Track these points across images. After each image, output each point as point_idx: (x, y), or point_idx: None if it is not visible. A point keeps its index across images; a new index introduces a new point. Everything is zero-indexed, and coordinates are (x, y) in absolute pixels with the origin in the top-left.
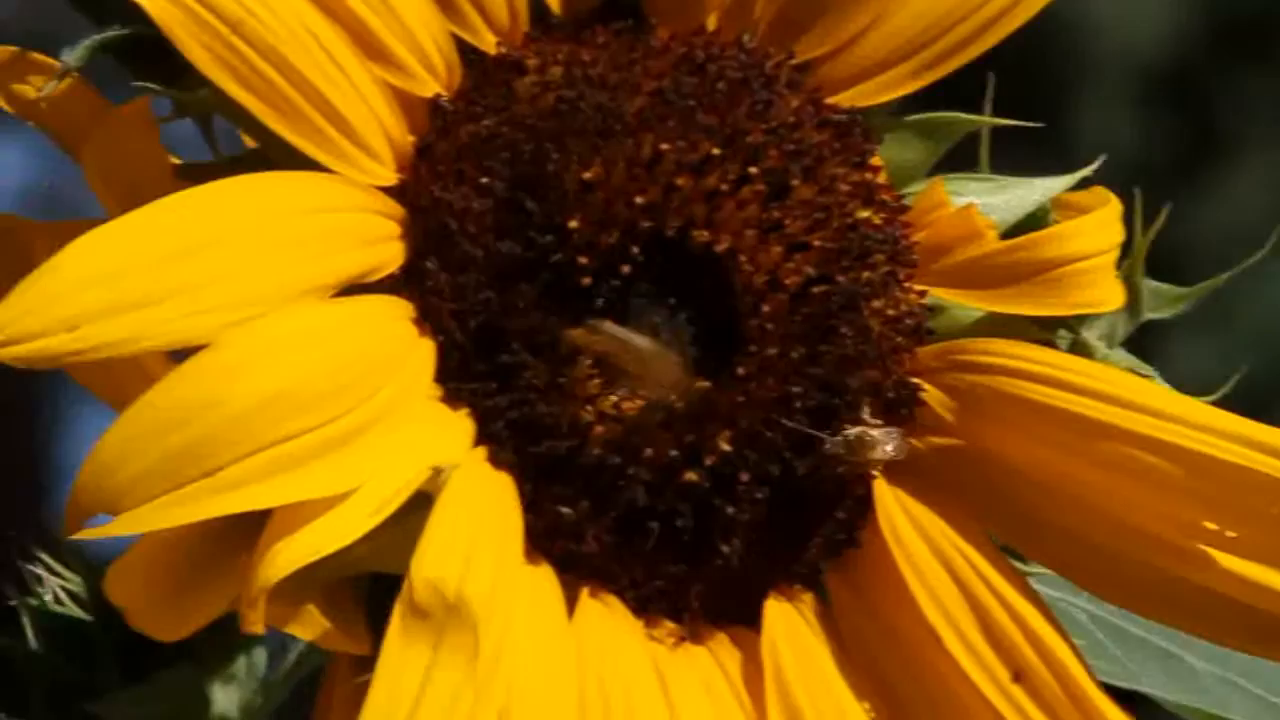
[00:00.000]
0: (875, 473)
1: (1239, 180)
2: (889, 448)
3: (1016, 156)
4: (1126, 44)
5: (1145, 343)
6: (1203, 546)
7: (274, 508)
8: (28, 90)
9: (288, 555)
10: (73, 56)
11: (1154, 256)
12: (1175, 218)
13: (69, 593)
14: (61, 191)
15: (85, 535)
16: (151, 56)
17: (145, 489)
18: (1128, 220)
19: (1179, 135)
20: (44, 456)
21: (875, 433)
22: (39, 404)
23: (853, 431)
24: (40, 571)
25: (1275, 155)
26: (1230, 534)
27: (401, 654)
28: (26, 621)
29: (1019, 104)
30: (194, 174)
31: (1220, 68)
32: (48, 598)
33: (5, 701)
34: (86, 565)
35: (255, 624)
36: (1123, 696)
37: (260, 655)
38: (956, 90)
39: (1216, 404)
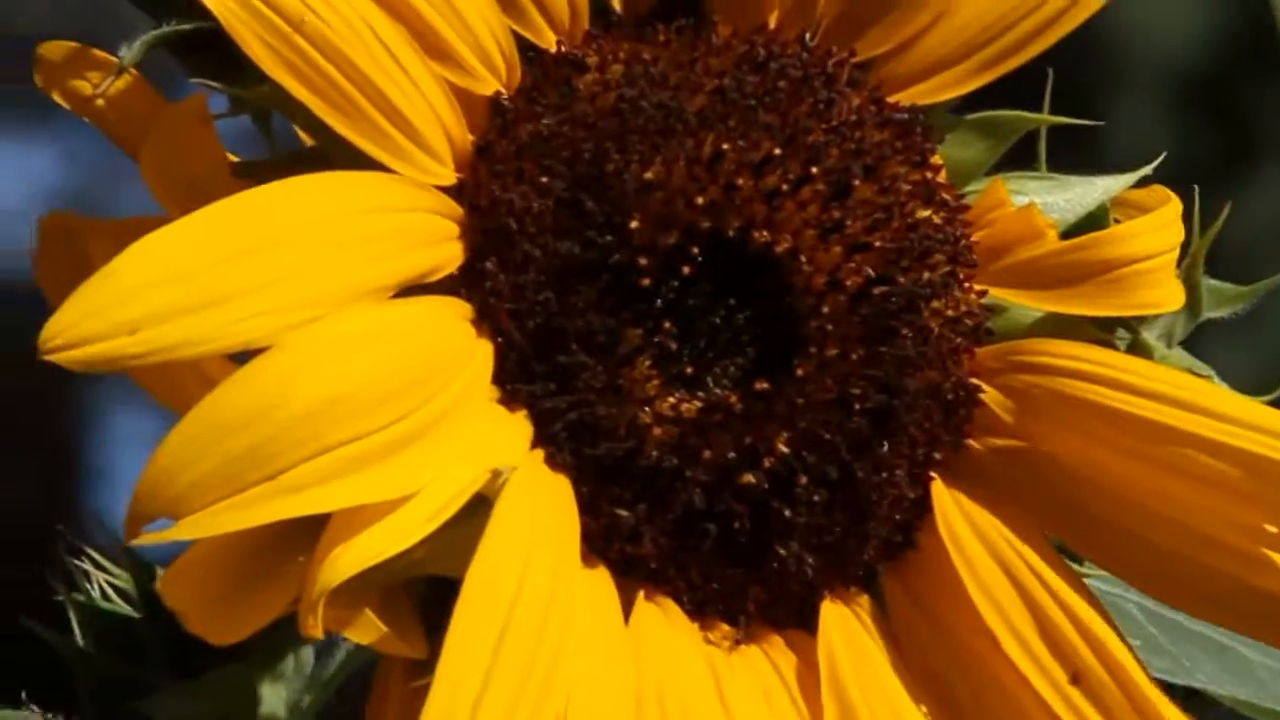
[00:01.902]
0: (933, 475)
1: (1275, 183)
2: None
3: (1054, 159)
4: (1163, 48)
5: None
6: (1263, 550)
7: (333, 511)
8: (84, 87)
9: (348, 559)
10: (130, 52)
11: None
12: (1211, 219)
13: (116, 589)
14: (91, 193)
15: (146, 540)
16: (209, 52)
17: (206, 493)
18: (1185, 219)
19: (1215, 139)
20: (81, 452)
21: None
22: (76, 399)
23: None
24: (87, 567)
25: None
26: None
27: (461, 658)
28: (74, 618)
29: (1055, 107)
30: (251, 172)
31: (1257, 71)
32: (95, 594)
33: (53, 698)
34: (134, 562)
35: (314, 628)
36: (1178, 693)
37: (307, 654)
38: (1001, 90)
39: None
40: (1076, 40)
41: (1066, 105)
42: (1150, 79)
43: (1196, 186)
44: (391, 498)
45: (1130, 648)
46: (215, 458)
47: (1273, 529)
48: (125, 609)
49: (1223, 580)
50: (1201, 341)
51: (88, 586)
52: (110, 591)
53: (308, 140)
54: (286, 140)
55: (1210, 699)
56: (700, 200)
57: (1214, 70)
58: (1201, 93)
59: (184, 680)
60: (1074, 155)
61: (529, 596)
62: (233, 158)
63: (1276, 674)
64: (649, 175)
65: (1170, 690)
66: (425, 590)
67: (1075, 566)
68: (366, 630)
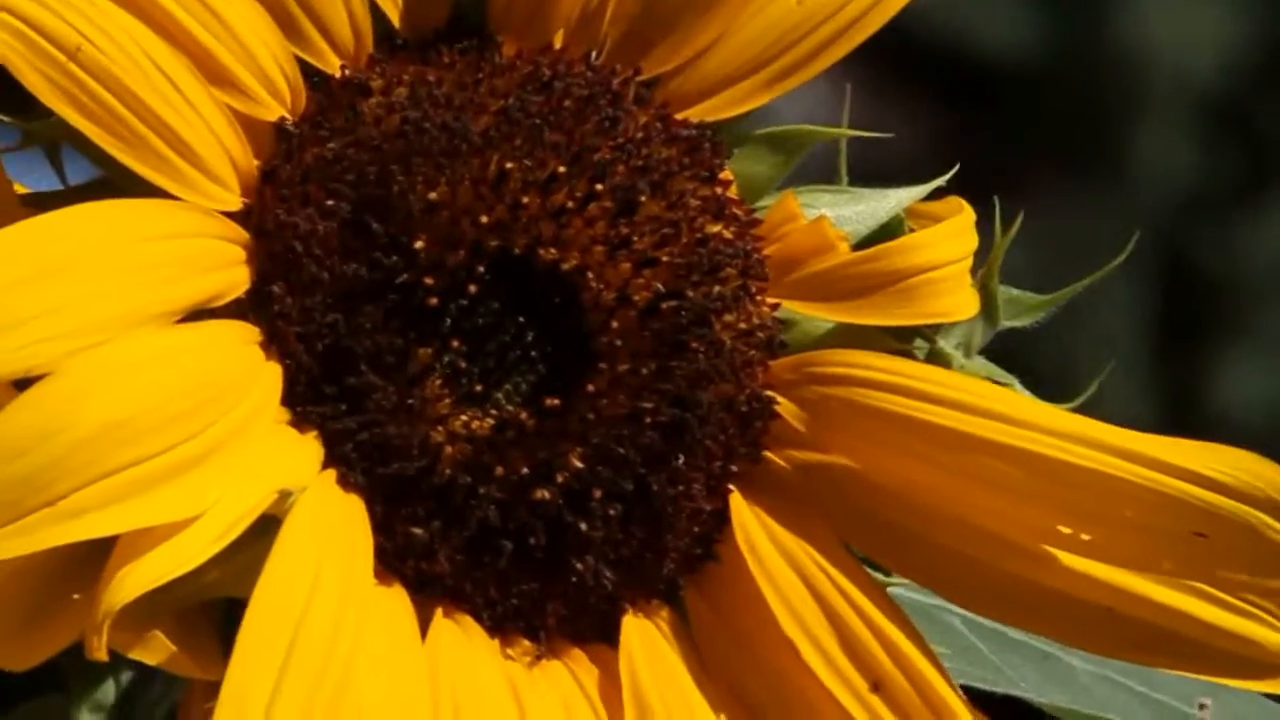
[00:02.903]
0: (731, 487)
1: None
2: None
3: (1071, 181)
4: (1183, 69)
5: (1197, 364)
6: (1060, 551)
7: (120, 534)
8: None
9: (133, 581)
10: None
11: (1205, 279)
12: (1229, 241)
13: None
14: None
15: None
16: None
17: None
18: (987, 227)
19: (1234, 159)
20: None
21: None
22: None
23: None
24: None
25: None
26: (1085, 537)
27: (246, 675)
28: None
29: (1075, 128)
30: (41, 203)
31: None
32: None
33: None
34: None
35: (99, 650)
36: (999, 702)
37: (128, 680)
38: (989, 112)
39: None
40: (1099, 63)
41: (1088, 123)
42: (1172, 97)
43: (996, 198)
44: (175, 520)
45: (932, 655)
46: None
47: (1068, 530)
48: None
49: (1026, 584)
50: (1220, 364)
51: None
52: None
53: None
54: (86, 172)
55: (1036, 711)
56: (486, 219)
57: (1235, 88)
58: (1223, 110)
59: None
60: (1096, 174)
61: (317, 613)
62: (22, 189)
63: (1100, 679)
64: (434, 195)
65: (992, 701)
66: (229, 614)
67: (884, 576)
68: (156, 652)
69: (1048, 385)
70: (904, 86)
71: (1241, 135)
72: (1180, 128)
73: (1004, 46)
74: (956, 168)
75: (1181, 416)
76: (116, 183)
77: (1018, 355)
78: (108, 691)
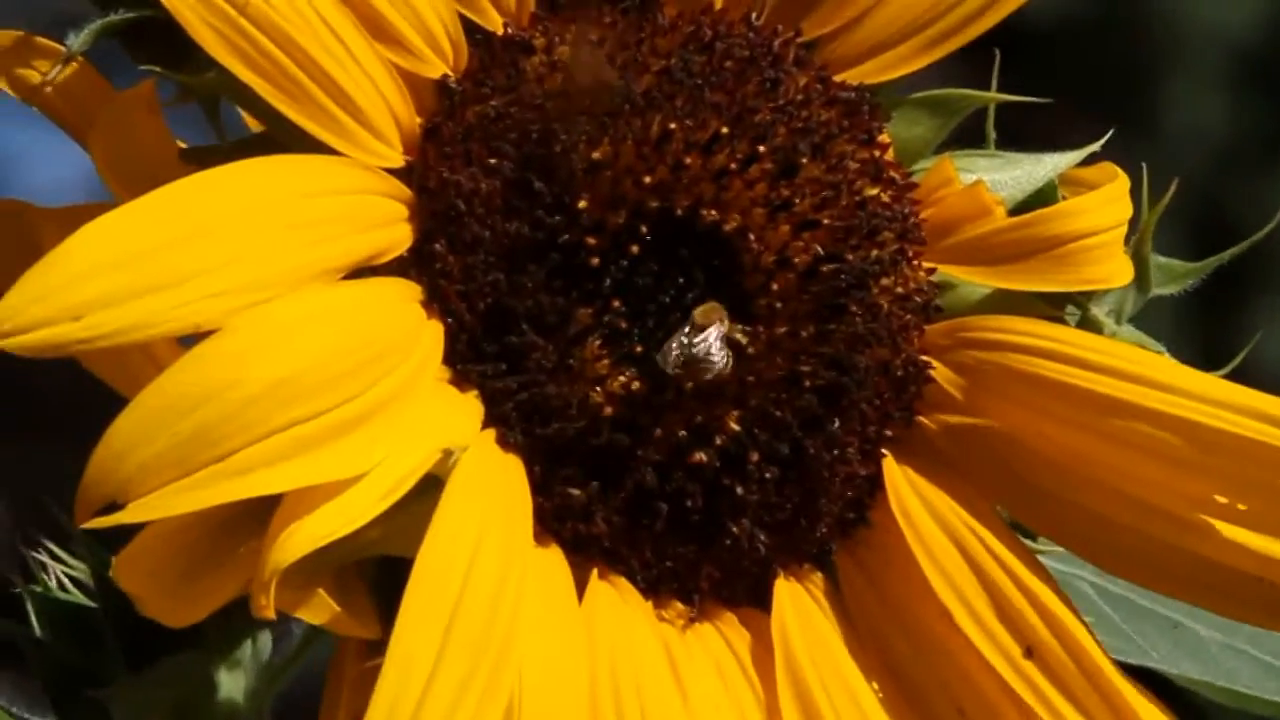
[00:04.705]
0: (885, 451)
1: None
2: (715, 358)
3: (1105, 135)
4: (1217, 25)
5: (1231, 318)
6: (1212, 520)
7: (285, 492)
8: (32, 75)
9: (299, 539)
10: (77, 41)
11: (1242, 238)
12: (1263, 195)
13: (73, 579)
14: None
15: (97, 523)
16: (156, 40)
17: (155, 476)
18: (1137, 195)
19: (1269, 116)
20: None
21: (697, 349)
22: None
23: (674, 352)
24: (44, 558)
25: None
26: (1240, 507)
27: (413, 637)
28: (31, 608)
29: (1110, 83)
30: (200, 158)
31: None
32: (52, 584)
33: (12, 688)
34: (91, 551)
35: (266, 609)
36: (1131, 672)
37: (265, 640)
38: (1020, 66)
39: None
40: (1133, 20)
41: (1123, 82)
42: (1207, 56)
43: (1144, 165)
44: (341, 478)
45: (1084, 621)
46: (163, 440)
47: (1222, 499)
48: (82, 599)
49: (1174, 551)
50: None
51: (44, 577)
52: (67, 582)
53: (256, 127)
54: (236, 130)
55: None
56: (648, 180)
57: (1270, 43)
58: (1258, 69)
59: (140, 669)
60: (1130, 135)
61: (480, 576)
62: (182, 144)
63: (1228, 648)
64: (597, 155)
65: (1124, 671)
66: (380, 572)
67: (1028, 543)
68: (319, 611)
69: None
70: None
71: (1276, 91)
72: (1215, 83)
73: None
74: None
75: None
76: (276, 138)
77: None
78: (245, 650)
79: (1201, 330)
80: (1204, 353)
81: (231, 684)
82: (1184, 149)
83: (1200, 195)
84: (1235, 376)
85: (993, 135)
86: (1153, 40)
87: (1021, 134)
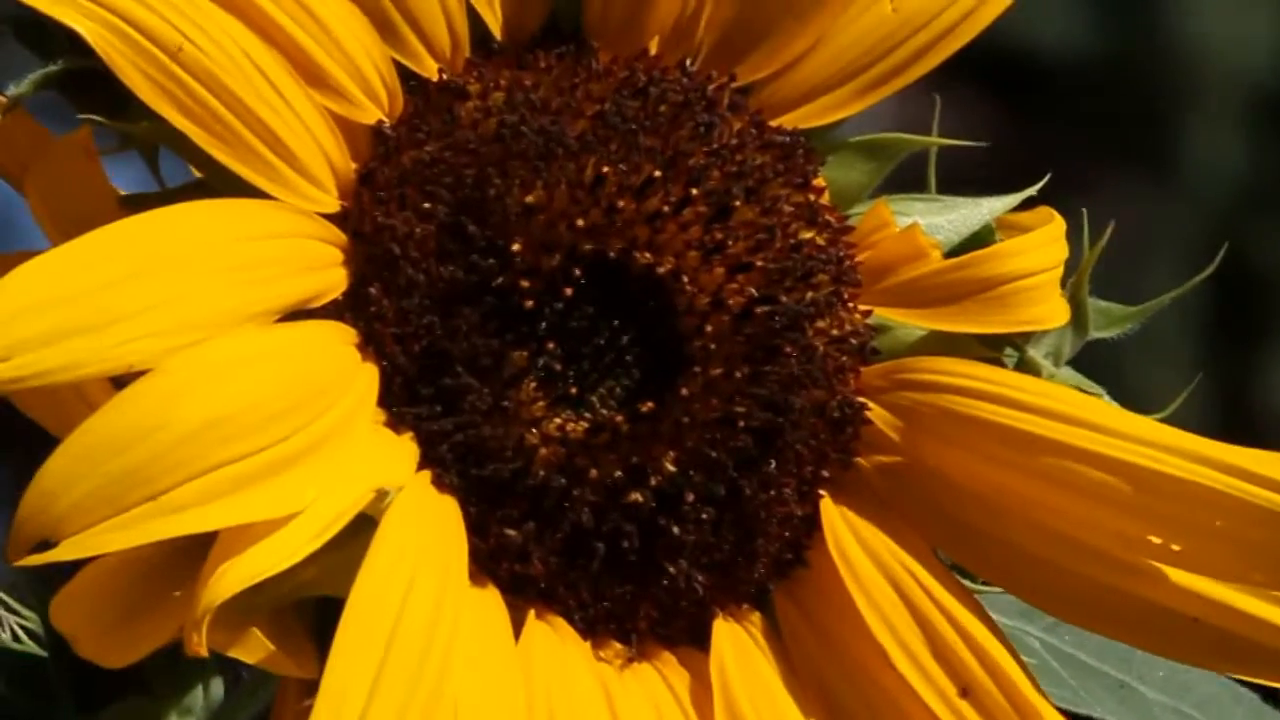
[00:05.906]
0: (822, 492)
1: None
2: None
3: (1124, 176)
4: (1236, 65)
5: (1250, 362)
6: (1149, 561)
7: (219, 531)
8: None
9: (232, 578)
10: (17, 90)
11: (1261, 277)
12: None
13: (26, 630)
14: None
15: (28, 561)
16: (96, 89)
17: (88, 514)
18: (1076, 238)
19: None
20: None
21: None
22: None
23: None
24: None
25: None
26: (1175, 548)
27: (345, 674)
28: None
29: (1129, 123)
30: (138, 204)
31: None
32: (5, 636)
33: None
34: (42, 602)
35: (199, 647)
36: None
37: (217, 686)
38: (1041, 106)
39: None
40: (1152, 59)
41: (1140, 120)
42: (1224, 94)
43: (1085, 209)
44: (273, 517)
45: (1021, 662)
46: (96, 479)
47: (1157, 540)
48: (34, 649)
49: (1112, 592)
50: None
51: None
52: (20, 633)
53: (198, 173)
54: (181, 175)
55: None
56: (582, 223)
57: None
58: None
59: (89, 716)
60: (1150, 171)
61: (414, 613)
62: (120, 192)
63: (1174, 711)
64: (530, 199)
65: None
66: (321, 613)
67: (971, 585)
68: (254, 650)
69: (1097, 382)
70: (959, 85)
71: None
72: (1234, 125)
73: (1059, 44)
74: (1048, 177)
75: (1232, 416)
76: (212, 184)
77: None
78: (196, 696)
79: (1223, 376)
80: (1225, 399)
81: None
82: (1204, 192)
83: (1220, 235)
84: (1256, 422)
85: (933, 179)
86: (1173, 83)
87: (1039, 175)
